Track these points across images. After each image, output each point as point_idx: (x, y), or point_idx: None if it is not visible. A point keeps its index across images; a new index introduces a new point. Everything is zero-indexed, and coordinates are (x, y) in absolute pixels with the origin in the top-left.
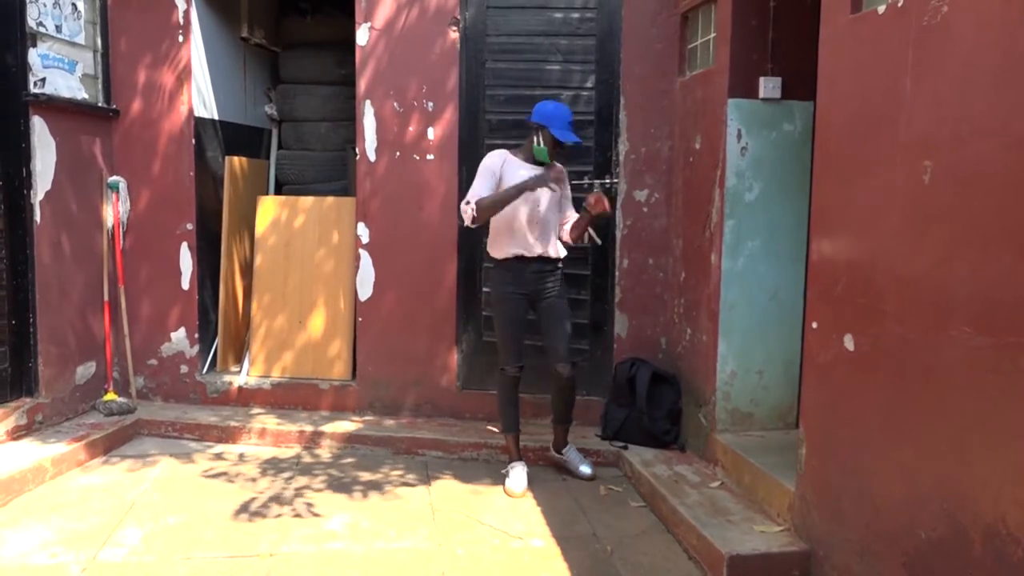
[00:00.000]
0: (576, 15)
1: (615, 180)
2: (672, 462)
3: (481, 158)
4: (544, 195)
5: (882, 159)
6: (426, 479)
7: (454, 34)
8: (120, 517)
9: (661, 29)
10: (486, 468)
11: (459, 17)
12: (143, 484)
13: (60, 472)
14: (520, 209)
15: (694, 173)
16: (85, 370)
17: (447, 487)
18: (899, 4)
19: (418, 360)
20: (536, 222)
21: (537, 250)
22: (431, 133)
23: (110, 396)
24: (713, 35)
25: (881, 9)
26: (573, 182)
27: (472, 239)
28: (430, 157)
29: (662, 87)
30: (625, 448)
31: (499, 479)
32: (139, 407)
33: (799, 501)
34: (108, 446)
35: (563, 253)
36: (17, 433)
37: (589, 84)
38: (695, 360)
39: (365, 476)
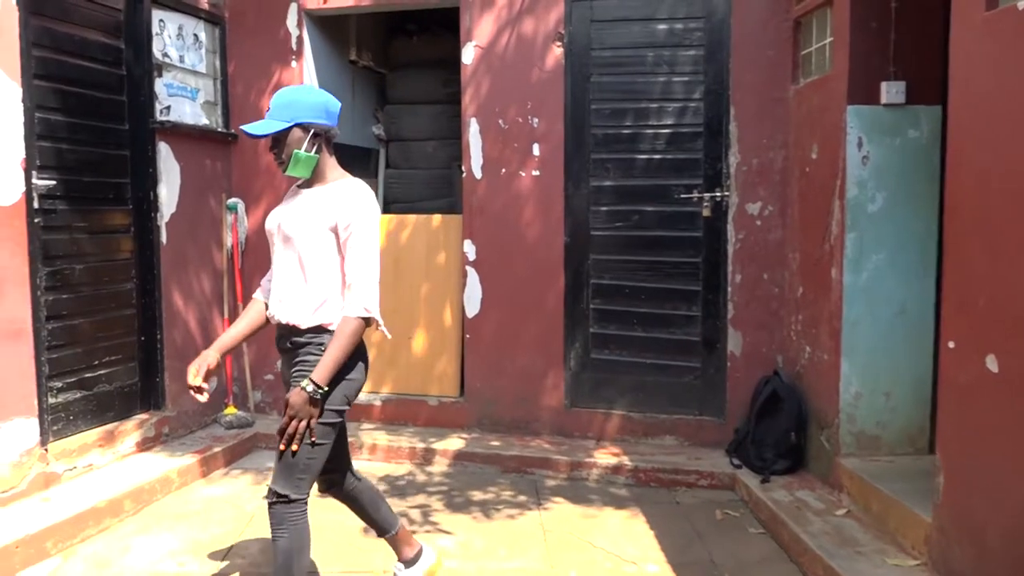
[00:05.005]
0: (682, 26)
1: (726, 193)
2: (793, 487)
3: (588, 173)
4: (277, 232)
5: None
6: (536, 499)
7: (558, 50)
8: (241, 528)
9: (772, 36)
10: (595, 489)
11: (563, 32)
12: (261, 496)
13: (185, 483)
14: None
15: (811, 184)
16: (207, 385)
17: (557, 507)
18: None
19: (525, 377)
20: (275, 270)
21: (277, 314)
22: (536, 149)
23: (230, 410)
24: (830, 40)
25: (1022, 5)
26: (682, 195)
27: (579, 255)
28: (536, 173)
29: (774, 95)
30: (740, 468)
31: (610, 500)
32: (256, 421)
33: (937, 533)
34: (229, 458)
35: (321, 320)
36: (146, 445)
37: (697, 95)
38: (815, 380)
39: (476, 494)
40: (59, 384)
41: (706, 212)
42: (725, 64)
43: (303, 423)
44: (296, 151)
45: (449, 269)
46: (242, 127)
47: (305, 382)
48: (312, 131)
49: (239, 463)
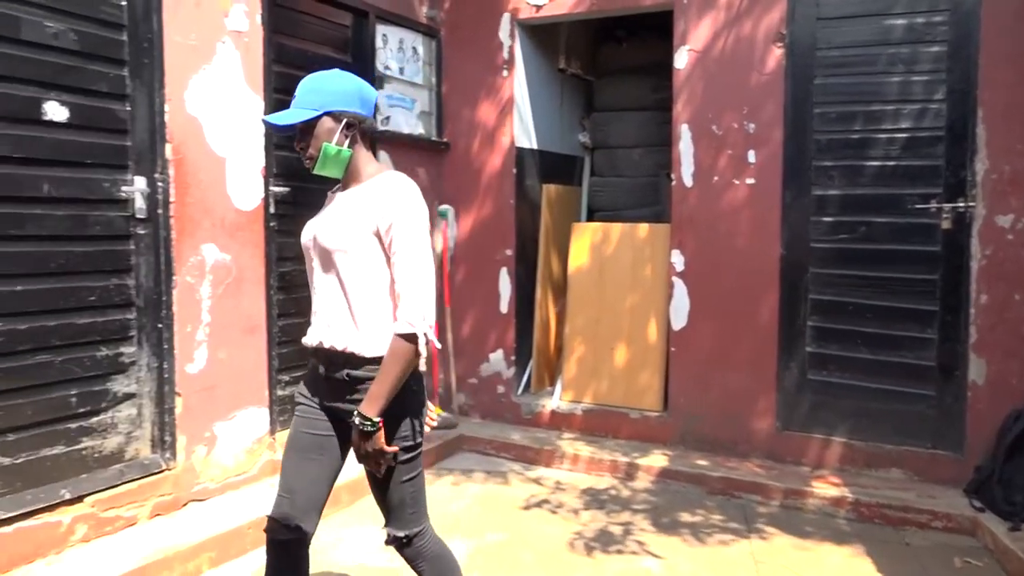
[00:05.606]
0: (922, 20)
1: (971, 203)
2: None
3: (809, 181)
4: (313, 246)
5: None
6: (745, 525)
7: (779, 51)
8: (445, 529)
9: None
10: (811, 520)
11: (784, 32)
12: (464, 499)
13: None
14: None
15: None
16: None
17: (769, 537)
18: None
19: (734, 396)
20: (316, 290)
21: (319, 337)
22: (752, 156)
23: (437, 410)
24: None
25: None
26: (918, 206)
27: (796, 269)
28: (750, 181)
29: None
30: (982, 511)
31: (826, 534)
32: (460, 423)
33: None
34: (434, 459)
35: (377, 351)
36: None
37: (938, 96)
38: None
39: (681, 515)
40: (286, 378)
41: (946, 224)
42: (973, 60)
43: (378, 464)
44: (326, 144)
45: (654, 280)
46: (264, 118)
47: (355, 414)
48: (344, 121)
49: (444, 463)
